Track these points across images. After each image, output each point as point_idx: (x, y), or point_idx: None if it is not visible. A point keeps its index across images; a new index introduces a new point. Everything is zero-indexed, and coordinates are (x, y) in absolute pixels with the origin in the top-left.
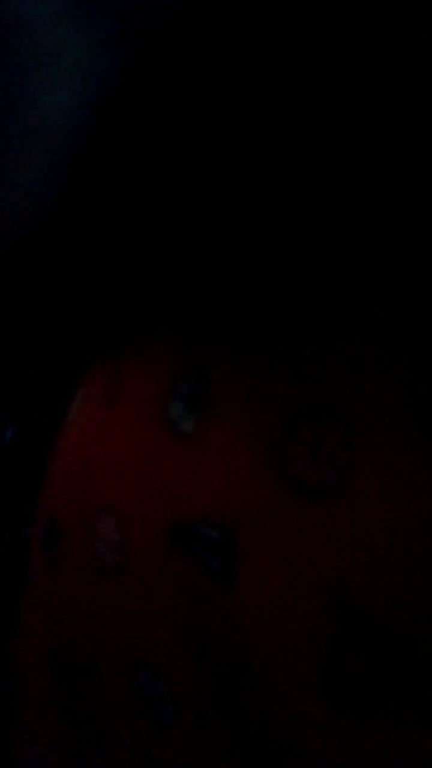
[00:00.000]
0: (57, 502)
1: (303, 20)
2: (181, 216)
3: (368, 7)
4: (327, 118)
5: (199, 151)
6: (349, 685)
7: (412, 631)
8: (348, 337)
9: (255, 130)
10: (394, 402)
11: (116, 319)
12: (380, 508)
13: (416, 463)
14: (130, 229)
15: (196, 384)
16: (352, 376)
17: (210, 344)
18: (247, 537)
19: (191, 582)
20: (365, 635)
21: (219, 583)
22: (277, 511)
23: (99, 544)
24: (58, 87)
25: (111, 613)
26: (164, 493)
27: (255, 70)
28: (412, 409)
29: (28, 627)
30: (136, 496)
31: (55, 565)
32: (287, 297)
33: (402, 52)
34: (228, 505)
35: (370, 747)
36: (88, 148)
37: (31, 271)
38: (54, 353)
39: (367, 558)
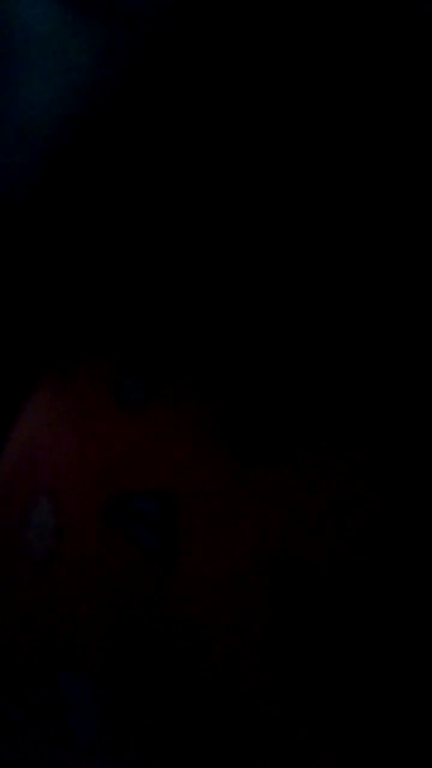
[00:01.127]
0: None
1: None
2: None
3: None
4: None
5: (180, 153)
6: (292, 647)
7: (347, 583)
8: None
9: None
10: None
11: (71, 328)
12: (319, 474)
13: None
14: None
15: (147, 359)
16: None
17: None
18: (189, 503)
19: (127, 564)
20: (305, 594)
21: (156, 563)
22: (220, 477)
23: (31, 533)
24: (43, 81)
25: (37, 611)
26: (105, 466)
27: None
28: None
29: None
30: (77, 474)
31: None
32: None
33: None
34: (171, 472)
35: (315, 707)
36: (66, 148)
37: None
38: (11, 357)
39: (306, 519)
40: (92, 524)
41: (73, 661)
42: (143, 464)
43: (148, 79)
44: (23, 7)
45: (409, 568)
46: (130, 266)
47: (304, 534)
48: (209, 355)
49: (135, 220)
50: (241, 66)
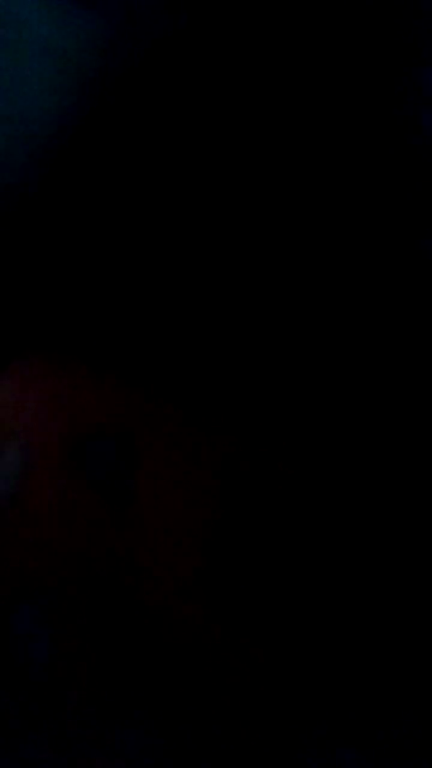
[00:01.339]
0: None
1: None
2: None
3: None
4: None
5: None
6: (231, 582)
7: (288, 505)
8: None
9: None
10: None
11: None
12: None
13: None
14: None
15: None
16: None
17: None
18: (142, 443)
19: (85, 501)
20: (248, 516)
21: (112, 497)
22: (170, 418)
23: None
24: (42, 79)
25: (0, 547)
26: (68, 414)
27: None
28: None
29: None
30: (41, 422)
31: None
32: None
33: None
34: (126, 416)
35: (246, 640)
36: (66, 145)
37: None
38: None
39: (249, 448)
40: (55, 467)
41: (32, 595)
42: (102, 410)
43: (147, 75)
44: (21, 4)
45: (345, 491)
46: (116, 255)
47: (248, 461)
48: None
49: (131, 217)
50: (241, 63)
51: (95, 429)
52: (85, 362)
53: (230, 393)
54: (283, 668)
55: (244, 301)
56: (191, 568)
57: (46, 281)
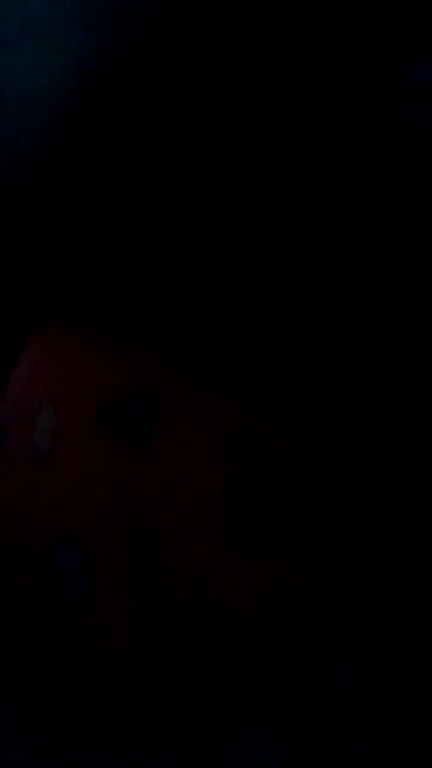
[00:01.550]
0: (7, 409)
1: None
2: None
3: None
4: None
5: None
6: (246, 522)
7: (298, 457)
8: None
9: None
10: None
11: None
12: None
13: None
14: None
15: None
16: None
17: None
18: (163, 402)
19: (115, 455)
20: (259, 466)
21: (139, 452)
22: (186, 381)
23: (36, 435)
24: (39, 63)
25: (42, 495)
26: (97, 377)
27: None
28: None
29: None
30: (73, 384)
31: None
32: None
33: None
34: (150, 378)
35: (263, 578)
36: (63, 129)
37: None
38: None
39: (255, 409)
40: (86, 424)
41: (70, 536)
42: (128, 375)
43: (141, 61)
44: None
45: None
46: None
47: (254, 419)
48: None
49: (126, 206)
50: (236, 49)
51: (119, 392)
52: (102, 332)
53: (237, 358)
54: (297, 612)
55: (248, 276)
56: (203, 513)
57: (59, 254)
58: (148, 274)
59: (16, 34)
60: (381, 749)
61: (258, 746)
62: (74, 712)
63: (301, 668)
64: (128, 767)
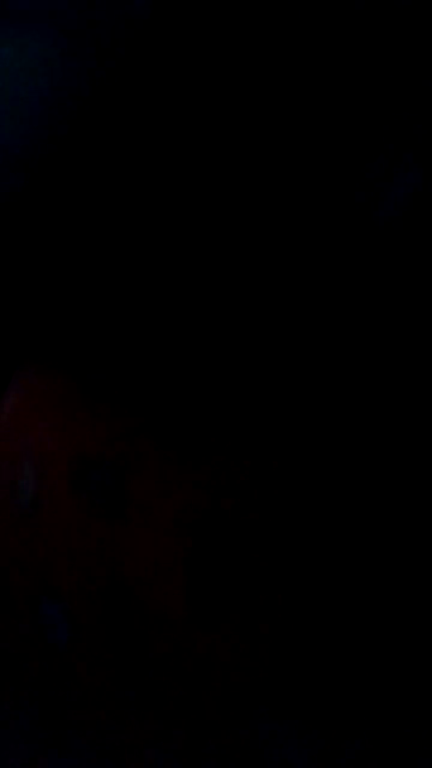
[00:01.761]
0: None
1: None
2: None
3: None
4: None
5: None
6: (206, 590)
7: (252, 540)
8: None
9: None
10: None
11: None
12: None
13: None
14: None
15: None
16: None
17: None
18: (133, 474)
19: (89, 517)
20: (222, 539)
21: (110, 517)
22: (156, 453)
23: (18, 490)
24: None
25: (24, 549)
26: (69, 435)
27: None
28: None
29: None
30: (51, 443)
31: None
32: None
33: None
34: (119, 445)
35: (224, 645)
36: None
37: None
38: None
39: (220, 490)
40: (63, 484)
41: (52, 590)
42: (101, 439)
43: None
44: None
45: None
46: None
47: (218, 502)
48: (149, 360)
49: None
50: (228, 52)
51: (94, 456)
52: (83, 389)
53: (211, 433)
54: (252, 671)
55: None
56: (172, 579)
57: (45, 295)
58: (128, 337)
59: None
60: None
61: None
62: (58, 746)
63: (254, 737)
64: None
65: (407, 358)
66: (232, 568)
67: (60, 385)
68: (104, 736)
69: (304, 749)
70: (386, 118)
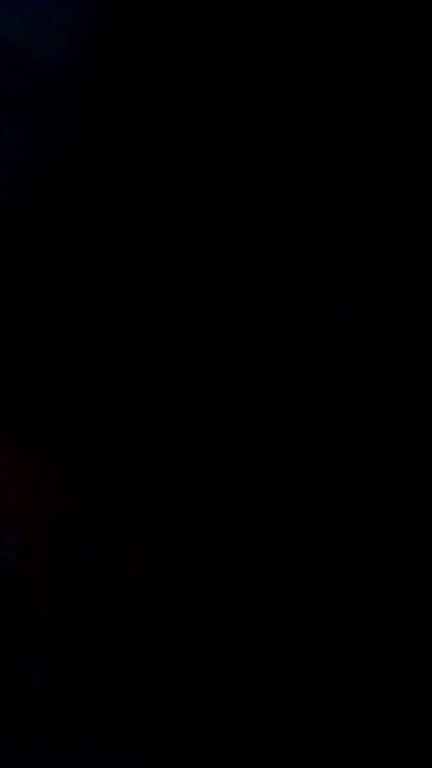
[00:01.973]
0: None
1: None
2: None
3: None
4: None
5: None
6: (176, 655)
7: (224, 602)
8: None
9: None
10: None
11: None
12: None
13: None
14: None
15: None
16: None
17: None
18: (109, 544)
19: (72, 582)
20: (189, 608)
21: (88, 585)
22: (131, 526)
23: (2, 554)
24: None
25: (8, 610)
26: (52, 509)
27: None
28: None
29: None
30: (31, 513)
31: None
32: None
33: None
34: (100, 519)
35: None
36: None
37: None
38: None
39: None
40: (44, 554)
41: (38, 651)
42: (80, 509)
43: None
44: None
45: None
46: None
47: (190, 570)
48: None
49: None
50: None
51: (75, 526)
52: (59, 460)
53: (178, 518)
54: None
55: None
56: (144, 639)
57: (22, 360)
58: (107, 410)
59: None
60: None
61: None
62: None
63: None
64: None
65: (356, 455)
66: (198, 628)
67: (36, 455)
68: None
69: None
70: (329, 256)
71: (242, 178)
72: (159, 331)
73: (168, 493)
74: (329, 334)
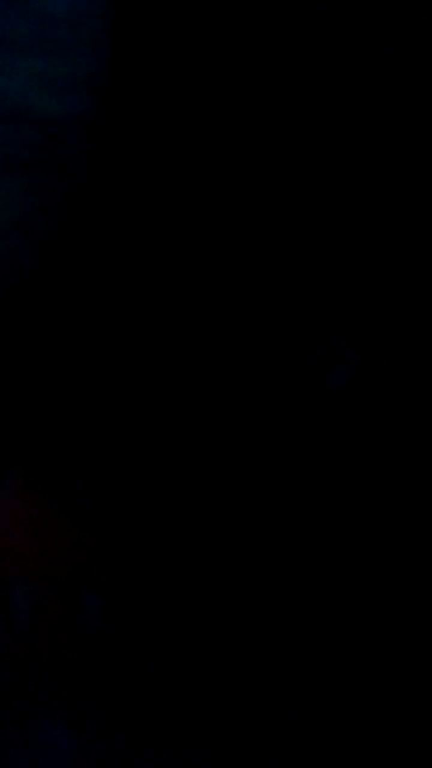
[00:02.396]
0: None
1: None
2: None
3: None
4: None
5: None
6: None
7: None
8: None
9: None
10: None
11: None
12: None
13: None
14: None
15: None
16: None
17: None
18: (117, 599)
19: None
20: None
21: (101, 640)
22: (137, 583)
23: (14, 610)
24: None
25: (22, 664)
26: (62, 559)
27: None
28: None
29: None
30: (43, 568)
31: None
32: None
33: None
34: (104, 575)
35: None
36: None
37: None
38: None
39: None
40: (56, 605)
41: (50, 703)
42: (85, 563)
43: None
44: None
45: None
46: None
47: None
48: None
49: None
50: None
51: (78, 580)
52: (69, 513)
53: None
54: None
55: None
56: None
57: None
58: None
59: None
60: None
61: None
62: None
63: None
64: None
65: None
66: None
67: (46, 508)
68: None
69: None
70: (329, 314)
71: (245, 234)
72: (165, 385)
73: (178, 546)
74: (328, 390)
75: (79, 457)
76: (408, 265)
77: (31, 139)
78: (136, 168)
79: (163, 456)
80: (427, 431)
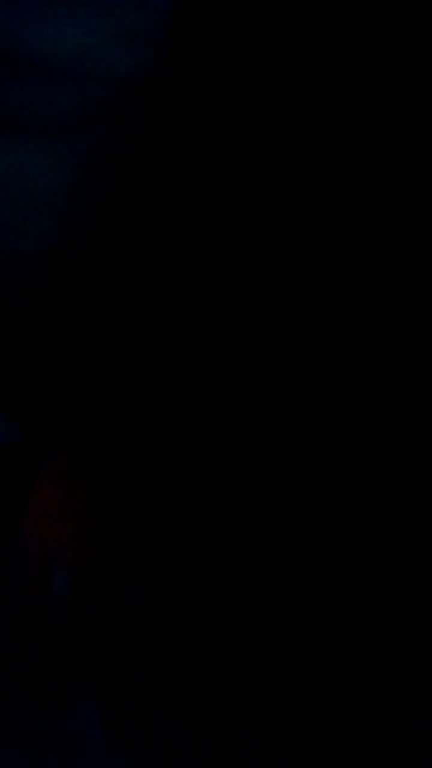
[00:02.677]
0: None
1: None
2: None
3: None
4: None
5: None
6: None
7: None
8: None
9: None
10: None
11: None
12: None
13: None
14: None
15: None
16: None
17: None
18: (161, 593)
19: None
20: None
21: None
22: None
23: (54, 593)
24: None
25: (60, 644)
26: (103, 548)
27: None
28: None
29: None
30: (80, 549)
31: None
32: None
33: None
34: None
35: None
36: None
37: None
38: None
39: None
40: (97, 592)
41: (85, 687)
42: (130, 555)
43: None
44: None
45: None
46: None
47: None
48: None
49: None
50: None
51: (122, 573)
52: (110, 500)
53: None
54: None
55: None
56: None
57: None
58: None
59: None
60: None
61: None
62: None
63: None
64: None
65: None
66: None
67: (88, 491)
68: None
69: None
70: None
71: (339, 214)
72: (236, 371)
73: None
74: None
75: (122, 441)
76: None
77: (89, 96)
78: (194, 134)
79: (204, 442)
80: None
